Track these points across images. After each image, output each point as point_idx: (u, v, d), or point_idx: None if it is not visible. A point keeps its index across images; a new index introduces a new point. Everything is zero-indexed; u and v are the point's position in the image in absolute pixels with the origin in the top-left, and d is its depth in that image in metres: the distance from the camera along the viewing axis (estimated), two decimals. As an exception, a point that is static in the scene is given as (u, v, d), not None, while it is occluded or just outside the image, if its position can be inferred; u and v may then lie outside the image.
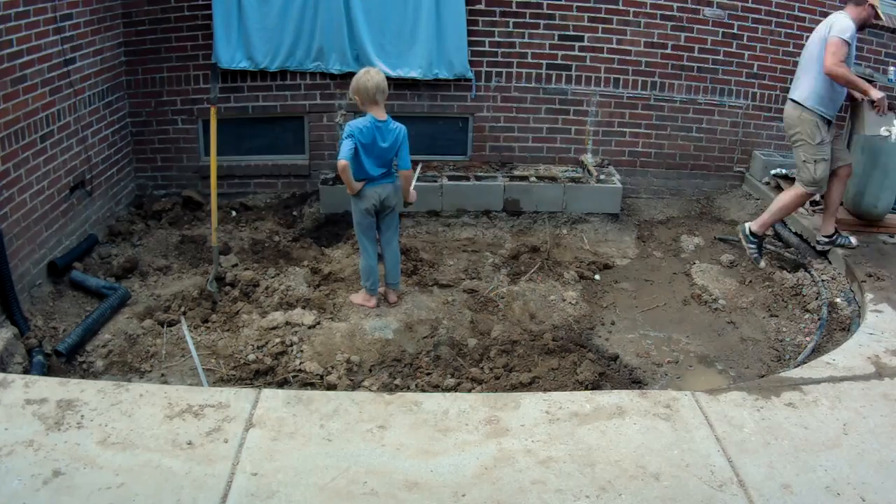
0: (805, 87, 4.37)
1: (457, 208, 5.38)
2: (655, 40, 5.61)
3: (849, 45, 4.21)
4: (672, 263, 4.93)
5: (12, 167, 3.79)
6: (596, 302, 4.38)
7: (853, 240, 4.66)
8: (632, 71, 5.67)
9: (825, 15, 5.60)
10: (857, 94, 4.47)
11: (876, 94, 4.28)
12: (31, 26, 3.92)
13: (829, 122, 4.39)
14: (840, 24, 4.20)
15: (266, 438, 2.62)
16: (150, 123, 5.47)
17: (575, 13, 5.50)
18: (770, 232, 5.31)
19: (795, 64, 5.71)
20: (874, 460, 2.62)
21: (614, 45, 5.60)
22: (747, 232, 4.70)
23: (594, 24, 5.54)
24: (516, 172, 5.63)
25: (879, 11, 4.36)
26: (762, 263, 4.71)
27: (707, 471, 2.54)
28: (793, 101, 4.45)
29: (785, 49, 5.70)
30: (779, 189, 5.58)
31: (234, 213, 5.40)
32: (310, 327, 3.84)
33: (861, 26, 4.36)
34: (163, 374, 3.53)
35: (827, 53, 4.18)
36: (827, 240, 4.66)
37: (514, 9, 5.42)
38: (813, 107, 4.33)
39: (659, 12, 5.54)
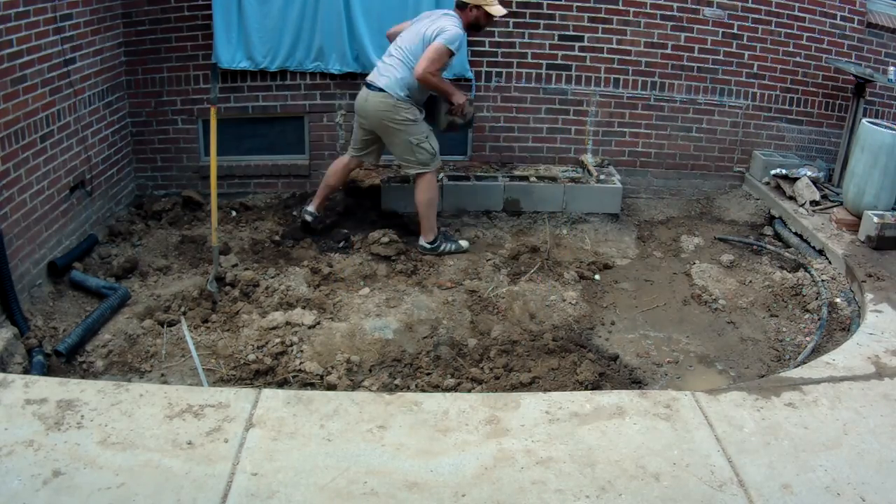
0: (397, 77, 4.44)
1: (457, 208, 5.38)
2: (655, 40, 5.61)
3: (453, 54, 4.34)
4: (672, 263, 4.93)
5: (12, 167, 3.79)
6: (596, 302, 4.38)
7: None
8: (632, 71, 5.67)
9: (825, 15, 5.65)
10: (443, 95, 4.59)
11: (459, 98, 4.53)
12: (31, 26, 3.91)
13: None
14: (451, 32, 4.29)
15: (266, 438, 2.62)
16: (150, 123, 5.46)
17: (575, 13, 5.49)
18: (770, 232, 5.32)
19: (796, 64, 5.76)
20: (874, 460, 2.62)
21: (614, 45, 5.60)
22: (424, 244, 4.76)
23: (594, 24, 5.53)
24: (516, 172, 5.63)
25: (491, 10, 4.45)
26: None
27: (707, 471, 2.54)
28: (380, 89, 4.46)
29: (785, 49, 5.69)
30: (778, 189, 5.59)
31: (234, 213, 5.39)
32: (310, 327, 3.84)
33: (469, 28, 4.55)
34: (163, 374, 3.53)
35: (425, 59, 4.26)
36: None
37: (514, 9, 5.41)
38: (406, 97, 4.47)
39: (659, 12, 5.54)
